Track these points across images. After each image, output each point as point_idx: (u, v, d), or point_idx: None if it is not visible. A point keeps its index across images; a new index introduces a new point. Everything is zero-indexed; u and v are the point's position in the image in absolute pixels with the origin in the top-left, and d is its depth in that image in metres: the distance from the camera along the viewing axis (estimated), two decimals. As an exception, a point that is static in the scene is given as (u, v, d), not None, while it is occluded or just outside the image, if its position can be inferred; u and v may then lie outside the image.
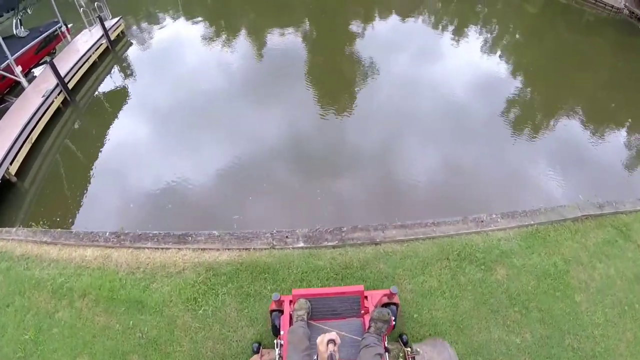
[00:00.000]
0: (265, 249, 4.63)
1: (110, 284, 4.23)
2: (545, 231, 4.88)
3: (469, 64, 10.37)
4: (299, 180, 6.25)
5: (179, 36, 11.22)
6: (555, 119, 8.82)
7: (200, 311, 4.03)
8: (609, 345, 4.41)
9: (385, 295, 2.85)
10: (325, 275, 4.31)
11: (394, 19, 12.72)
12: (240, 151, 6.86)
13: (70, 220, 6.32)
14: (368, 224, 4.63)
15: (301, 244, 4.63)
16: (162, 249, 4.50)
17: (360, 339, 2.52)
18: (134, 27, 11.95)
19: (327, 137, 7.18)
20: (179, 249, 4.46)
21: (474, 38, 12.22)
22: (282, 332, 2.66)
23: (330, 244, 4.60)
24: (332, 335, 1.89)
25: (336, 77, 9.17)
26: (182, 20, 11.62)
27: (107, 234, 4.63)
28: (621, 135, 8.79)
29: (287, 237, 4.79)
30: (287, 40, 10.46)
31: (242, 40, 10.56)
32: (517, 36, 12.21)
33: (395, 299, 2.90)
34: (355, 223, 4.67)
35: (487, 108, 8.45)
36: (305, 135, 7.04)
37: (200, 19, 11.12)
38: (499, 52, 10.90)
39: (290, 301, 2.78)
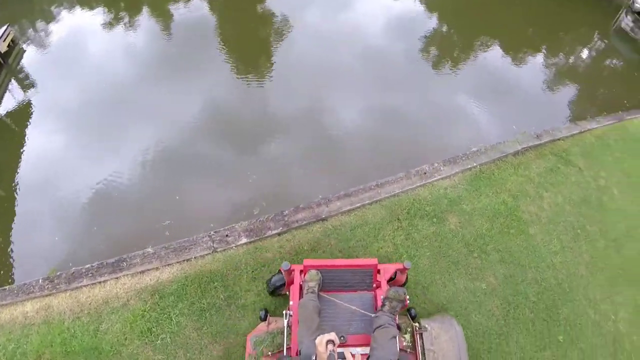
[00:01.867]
0: (207, 254, 4.27)
1: (60, 338, 3.73)
2: (489, 170, 4.92)
3: (384, 6, 10.32)
4: (229, 162, 5.82)
5: (79, 29, 10.19)
6: (478, 53, 9.03)
7: (159, 341, 3.65)
8: (570, 270, 4.54)
9: (398, 269, 2.86)
10: (277, 268, 4.04)
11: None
12: (160, 141, 6.25)
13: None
14: (310, 201, 4.39)
15: (244, 240, 4.31)
16: (100, 282, 4.05)
17: (371, 314, 2.52)
18: (30, 31, 10.73)
19: (252, 107, 6.75)
20: (116, 278, 4.01)
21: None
22: (291, 303, 2.65)
23: (274, 232, 4.32)
24: (331, 335, 1.92)
25: (250, 40, 8.77)
26: (78, 11, 10.59)
27: (40, 280, 4.08)
28: (542, 63, 9.21)
29: (227, 235, 4.44)
30: (192, 9, 9.86)
31: (146, 19, 9.80)
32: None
33: (404, 275, 2.95)
34: (296, 199, 4.41)
35: (409, 51, 8.45)
36: (227, 110, 6.59)
37: (97, 4, 10.21)
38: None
39: (301, 271, 2.75)
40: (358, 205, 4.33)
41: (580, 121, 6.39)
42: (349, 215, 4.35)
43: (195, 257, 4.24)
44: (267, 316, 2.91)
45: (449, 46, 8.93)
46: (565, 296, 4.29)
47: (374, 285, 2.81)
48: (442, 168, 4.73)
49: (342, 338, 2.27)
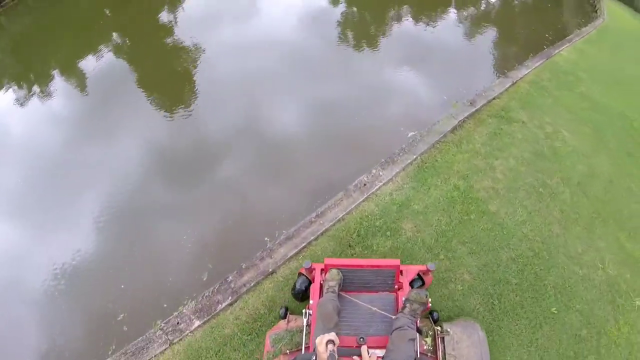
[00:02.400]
0: (165, 349, 3.79)
1: None
2: (431, 158, 4.63)
3: (290, 4, 9.97)
4: (166, 229, 5.28)
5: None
6: (392, 27, 8.74)
7: None
8: (544, 235, 4.29)
9: (421, 271, 2.84)
10: (238, 342, 3.60)
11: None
12: (93, 213, 5.65)
13: None
14: (252, 258, 3.95)
15: (197, 323, 3.85)
16: None
17: (392, 316, 2.48)
18: None
19: (186, 142, 6.25)
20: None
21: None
22: (311, 302, 2.64)
23: (225, 304, 3.87)
24: (332, 335, 1.90)
25: (169, 75, 8.27)
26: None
27: None
28: (455, 20, 9.06)
29: (178, 323, 3.96)
30: (104, 62, 9.28)
31: (59, 83, 9.18)
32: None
33: (429, 277, 2.91)
34: (236, 255, 3.98)
35: (327, 41, 8.11)
36: (163, 156, 6.05)
37: (4, 80, 9.51)
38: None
39: (322, 270, 2.74)
40: (303, 245, 3.93)
41: (511, 72, 6.20)
42: (297, 259, 3.94)
43: (155, 356, 3.78)
44: (287, 314, 2.90)
45: (363, 27, 8.63)
46: (546, 264, 4.03)
47: (396, 286, 2.77)
48: (381, 173, 4.38)
49: (361, 339, 2.32)
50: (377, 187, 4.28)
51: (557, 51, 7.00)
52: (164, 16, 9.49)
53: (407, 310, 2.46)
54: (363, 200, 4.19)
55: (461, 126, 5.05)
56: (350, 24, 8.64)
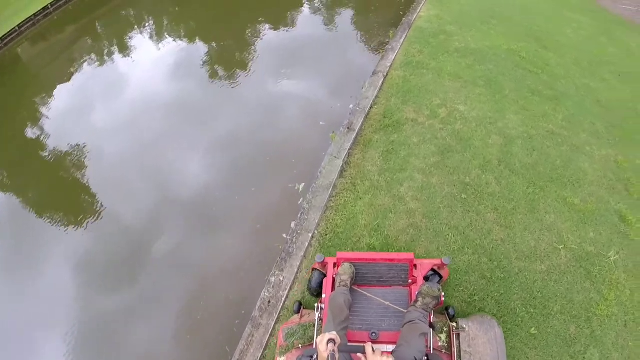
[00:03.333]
0: None
1: None
2: (330, 229, 3.91)
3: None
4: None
5: None
6: (247, 54, 7.99)
7: None
8: (488, 251, 3.77)
9: (435, 265, 2.77)
10: None
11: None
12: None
13: None
14: None
15: None
16: None
17: (405, 311, 2.47)
18: None
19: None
20: None
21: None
22: (324, 295, 2.65)
23: None
24: (332, 335, 1.89)
25: (58, 186, 7.10)
26: None
27: None
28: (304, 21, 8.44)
29: None
30: None
31: None
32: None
33: (445, 271, 2.85)
34: None
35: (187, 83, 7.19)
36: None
37: None
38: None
39: (335, 264, 2.76)
40: None
41: (379, 64, 5.57)
42: None
43: None
44: (300, 309, 2.91)
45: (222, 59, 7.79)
46: (505, 284, 3.56)
47: (410, 281, 2.76)
48: (282, 277, 3.56)
49: (373, 334, 2.39)
50: (284, 292, 3.47)
51: (415, 15, 6.47)
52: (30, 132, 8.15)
53: (419, 304, 2.43)
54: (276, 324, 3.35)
55: (348, 163, 4.32)
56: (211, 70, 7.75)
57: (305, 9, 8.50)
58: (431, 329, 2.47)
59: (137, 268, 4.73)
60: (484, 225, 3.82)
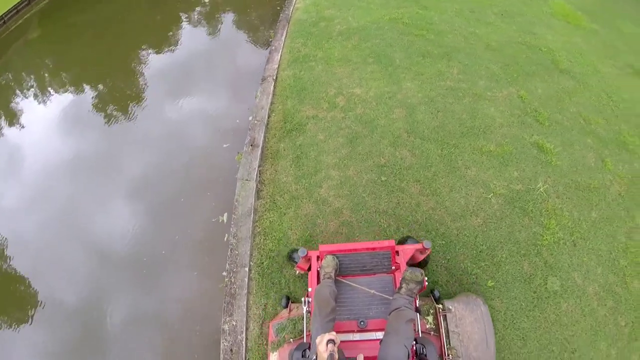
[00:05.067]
0: None
1: None
2: (264, 263, 3.73)
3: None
4: None
5: None
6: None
7: None
8: (426, 224, 3.72)
9: (417, 250, 2.89)
10: None
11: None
12: None
13: None
14: None
15: None
16: None
17: (390, 297, 2.60)
18: None
19: None
20: None
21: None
22: (309, 289, 2.80)
23: None
24: (332, 335, 1.99)
25: None
26: None
27: None
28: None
29: None
30: None
31: None
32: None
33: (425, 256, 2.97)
34: None
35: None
36: None
37: None
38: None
39: (318, 257, 2.89)
40: None
41: (266, 67, 5.55)
42: None
43: None
44: (288, 303, 3.04)
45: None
46: (450, 255, 3.69)
47: (393, 267, 2.88)
48: (235, 322, 3.42)
49: (361, 323, 2.59)
50: (244, 345, 3.32)
51: (291, 8, 6.57)
52: None
53: (403, 290, 2.53)
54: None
55: (262, 182, 4.23)
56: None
57: (185, 25, 8.35)
58: (417, 314, 2.58)
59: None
60: (411, 200, 3.90)
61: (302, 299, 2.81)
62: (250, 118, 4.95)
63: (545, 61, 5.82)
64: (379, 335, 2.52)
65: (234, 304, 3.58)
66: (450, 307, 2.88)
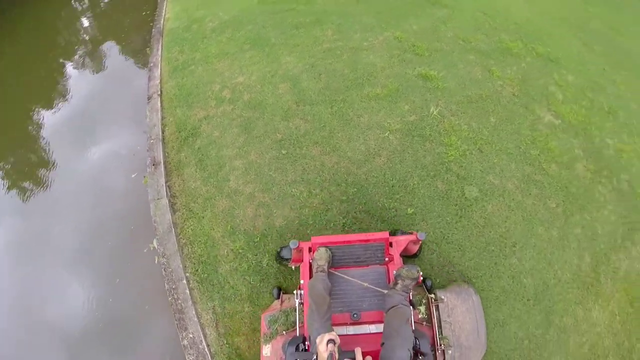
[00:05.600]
0: None
1: None
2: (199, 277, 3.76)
3: None
4: None
5: None
6: None
7: None
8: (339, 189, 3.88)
9: (411, 241, 2.93)
10: None
11: None
12: None
13: None
14: None
15: None
16: None
17: (384, 291, 2.62)
18: None
19: None
20: None
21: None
22: (302, 281, 2.80)
23: None
24: (332, 335, 2.00)
25: None
26: None
27: None
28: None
29: None
30: None
31: None
32: None
33: (416, 247, 3.09)
34: None
35: None
36: None
37: None
38: None
39: (310, 249, 2.88)
40: None
41: (150, 86, 5.51)
42: None
43: None
44: (280, 294, 3.08)
45: None
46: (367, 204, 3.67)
47: (386, 258, 2.90)
48: (192, 334, 3.47)
49: (355, 315, 2.60)
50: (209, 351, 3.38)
51: (162, 19, 6.53)
52: None
53: (399, 286, 2.55)
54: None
55: (174, 195, 4.27)
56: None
57: (71, 71, 8.06)
58: (412, 309, 2.59)
59: None
60: (315, 162, 4.08)
61: (295, 292, 2.80)
62: (147, 138, 4.93)
63: (417, 3, 6.18)
64: (372, 328, 2.57)
65: (185, 318, 3.62)
66: (443, 297, 2.95)
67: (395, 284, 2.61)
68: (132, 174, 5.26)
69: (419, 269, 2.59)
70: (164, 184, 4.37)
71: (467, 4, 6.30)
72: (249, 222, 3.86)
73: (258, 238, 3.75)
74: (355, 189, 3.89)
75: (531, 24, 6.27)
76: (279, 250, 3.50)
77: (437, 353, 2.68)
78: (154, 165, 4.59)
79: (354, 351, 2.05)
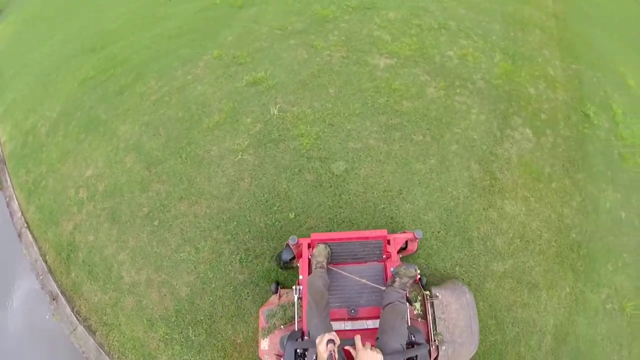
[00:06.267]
0: None
1: None
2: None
3: None
4: None
5: None
6: None
7: None
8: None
9: (408, 239, 3.02)
10: None
11: None
12: None
13: None
14: None
15: None
16: None
17: (382, 287, 2.71)
18: None
19: None
20: None
21: None
22: (301, 277, 2.86)
23: None
24: (332, 335, 2.04)
25: None
26: None
27: None
28: None
29: None
30: None
31: None
32: None
33: (414, 245, 3.21)
34: None
35: None
36: None
37: None
38: None
39: (309, 245, 2.93)
40: None
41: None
42: None
43: None
44: (278, 289, 3.20)
45: None
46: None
47: (384, 256, 2.99)
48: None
49: (352, 311, 2.68)
50: None
51: (-2, 148, 6.27)
52: None
53: (397, 284, 2.63)
54: None
55: (86, 318, 4.26)
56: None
57: None
58: (408, 305, 2.70)
59: None
60: (189, 218, 4.17)
61: (293, 288, 2.86)
62: (34, 276, 4.81)
63: (224, 13, 6.17)
64: (370, 323, 2.67)
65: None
66: (438, 294, 3.05)
67: (393, 281, 2.69)
68: (46, 316, 5.12)
69: (416, 267, 2.66)
70: (72, 313, 4.33)
71: (274, 3, 6.33)
72: (159, 307, 3.93)
73: (174, 317, 3.83)
74: (235, 223, 4.01)
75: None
76: (279, 253, 3.52)
77: (431, 348, 2.78)
78: (54, 299, 4.53)
79: (354, 339, 2.12)
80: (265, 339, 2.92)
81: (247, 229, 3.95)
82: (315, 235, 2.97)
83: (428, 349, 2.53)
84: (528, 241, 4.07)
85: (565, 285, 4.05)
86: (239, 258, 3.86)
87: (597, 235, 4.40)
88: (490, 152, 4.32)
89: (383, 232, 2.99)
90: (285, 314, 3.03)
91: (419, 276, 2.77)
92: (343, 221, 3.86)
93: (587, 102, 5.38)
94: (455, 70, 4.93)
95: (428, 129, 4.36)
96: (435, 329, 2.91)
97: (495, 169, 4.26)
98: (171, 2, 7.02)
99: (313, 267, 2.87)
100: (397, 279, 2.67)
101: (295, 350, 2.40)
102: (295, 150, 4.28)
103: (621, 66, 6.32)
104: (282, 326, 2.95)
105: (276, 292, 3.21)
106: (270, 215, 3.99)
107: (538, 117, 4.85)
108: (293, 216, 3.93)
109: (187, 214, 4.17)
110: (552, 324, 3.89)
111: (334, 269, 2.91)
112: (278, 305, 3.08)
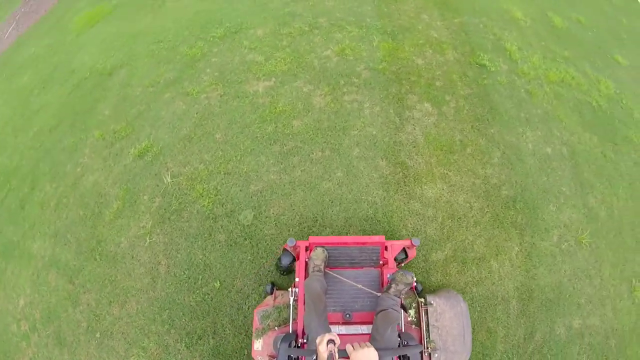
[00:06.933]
0: None
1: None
2: None
3: None
4: None
5: None
6: None
7: None
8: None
9: (405, 246, 3.04)
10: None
11: None
12: None
13: None
14: None
15: None
16: None
17: (377, 293, 2.73)
18: None
19: None
20: None
21: None
22: (297, 279, 2.87)
23: None
24: (332, 335, 2.04)
25: None
26: None
27: None
28: None
29: None
30: None
31: None
32: None
33: (412, 252, 3.16)
34: None
35: None
36: None
37: None
38: None
39: (307, 247, 2.96)
40: None
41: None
42: None
43: None
44: (273, 290, 3.19)
45: None
46: None
47: (381, 262, 3.00)
48: None
49: (347, 315, 2.69)
50: None
51: None
52: None
53: (392, 290, 2.64)
54: None
55: None
56: None
57: None
58: (402, 310, 2.69)
59: None
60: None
61: (289, 290, 2.86)
62: None
63: (95, 85, 5.92)
64: (364, 329, 2.65)
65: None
66: (432, 302, 3.06)
67: (389, 287, 2.70)
68: None
69: (413, 274, 2.66)
70: None
71: (142, 57, 6.09)
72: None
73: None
74: (167, 310, 3.72)
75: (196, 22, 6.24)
76: (278, 259, 3.48)
77: (423, 356, 2.79)
78: None
79: (345, 350, 2.09)
80: (259, 340, 2.93)
81: (181, 313, 3.71)
82: (313, 239, 3.00)
83: (421, 349, 2.62)
84: (460, 218, 3.95)
85: (512, 245, 3.95)
86: (184, 344, 3.61)
87: (529, 182, 4.32)
88: (394, 142, 4.20)
89: (381, 238, 3.00)
90: (280, 316, 3.03)
91: (415, 283, 2.76)
92: (269, 270, 3.68)
93: (479, 52, 5.33)
94: (336, 70, 4.80)
95: (325, 142, 4.20)
96: (428, 336, 2.94)
97: (404, 158, 4.14)
98: (44, 89, 6.70)
99: (310, 270, 2.87)
100: (393, 285, 2.68)
101: (289, 357, 2.42)
102: (199, 213, 4.06)
103: (504, 3, 6.34)
104: (276, 327, 2.94)
105: (271, 293, 3.20)
106: (197, 291, 3.76)
107: (433, 87, 4.76)
108: (219, 284, 3.72)
109: (121, 317, 3.89)
110: (513, 288, 3.80)
111: (330, 272, 2.91)
112: (273, 307, 3.07)
